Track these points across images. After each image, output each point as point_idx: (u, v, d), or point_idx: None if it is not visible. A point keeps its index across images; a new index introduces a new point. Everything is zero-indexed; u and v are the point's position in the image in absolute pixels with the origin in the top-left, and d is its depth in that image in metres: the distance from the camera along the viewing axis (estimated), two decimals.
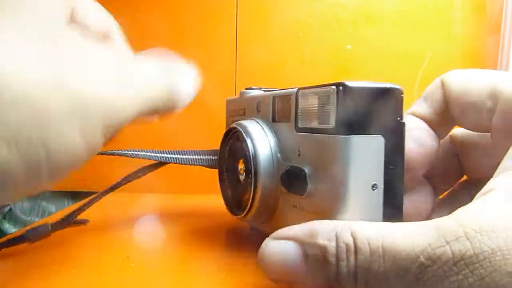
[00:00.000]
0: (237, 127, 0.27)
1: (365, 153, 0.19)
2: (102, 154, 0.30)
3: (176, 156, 0.33)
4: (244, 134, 0.25)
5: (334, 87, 0.19)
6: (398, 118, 0.19)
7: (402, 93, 0.19)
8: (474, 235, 0.14)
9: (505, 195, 0.15)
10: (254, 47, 0.52)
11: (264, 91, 0.28)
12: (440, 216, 0.15)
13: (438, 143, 0.22)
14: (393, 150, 0.19)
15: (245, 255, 0.27)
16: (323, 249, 0.16)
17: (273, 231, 0.18)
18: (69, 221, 0.31)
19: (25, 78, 0.12)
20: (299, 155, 0.22)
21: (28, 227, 0.29)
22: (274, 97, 0.25)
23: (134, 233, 0.34)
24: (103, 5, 0.19)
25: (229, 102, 0.33)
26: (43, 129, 0.12)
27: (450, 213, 0.15)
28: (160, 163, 0.33)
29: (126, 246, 0.31)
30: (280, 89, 0.25)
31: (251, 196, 0.25)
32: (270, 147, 0.25)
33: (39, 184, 0.14)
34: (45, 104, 0.12)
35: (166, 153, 0.33)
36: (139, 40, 0.20)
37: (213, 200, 0.36)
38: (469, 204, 0.16)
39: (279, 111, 0.25)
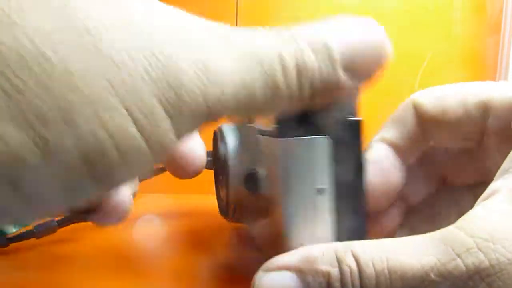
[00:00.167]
0: (216, 129, 0.27)
1: (307, 156, 0.17)
2: None
3: None
4: (219, 136, 0.26)
5: None
6: (349, 117, 0.18)
7: (357, 89, 0.18)
8: (486, 245, 0.13)
9: (510, 197, 0.15)
10: None
11: None
12: (414, 229, 0.14)
13: (404, 173, 0.21)
14: (345, 152, 0.18)
15: (245, 255, 0.27)
16: (326, 275, 0.15)
17: (259, 235, 0.18)
18: (74, 217, 0.31)
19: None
20: (259, 157, 0.22)
21: (36, 223, 0.30)
22: None
23: (134, 232, 0.34)
24: None
25: None
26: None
27: (427, 224, 0.15)
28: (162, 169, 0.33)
29: (126, 246, 0.31)
30: None
31: (225, 197, 0.25)
32: (238, 149, 0.25)
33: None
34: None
35: None
36: None
37: (213, 200, 0.36)
38: (472, 210, 0.15)
39: None
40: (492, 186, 0.16)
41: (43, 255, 0.28)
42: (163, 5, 0.13)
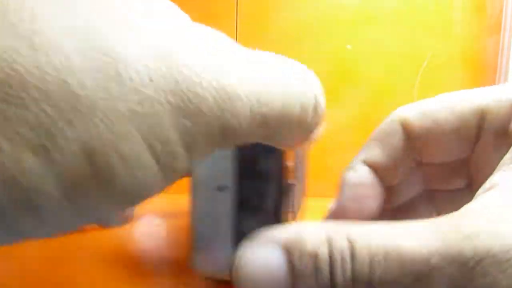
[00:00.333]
0: None
1: (211, 157, 0.18)
2: None
3: None
4: None
5: None
6: None
7: None
8: (489, 230, 0.13)
9: (509, 189, 0.14)
10: (254, 47, 0.51)
11: None
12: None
13: (382, 198, 0.20)
14: (252, 151, 0.19)
15: None
16: (314, 257, 0.14)
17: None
18: None
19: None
20: None
21: None
22: None
23: (134, 232, 0.34)
24: None
25: None
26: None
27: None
28: None
29: (127, 246, 0.31)
30: None
31: None
32: None
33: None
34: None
35: None
36: None
37: None
38: (470, 203, 0.15)
39: None
40: (491, 180, 0.16)
41: (43, 255, 0.28)
42: (188, 22, 0.13)
